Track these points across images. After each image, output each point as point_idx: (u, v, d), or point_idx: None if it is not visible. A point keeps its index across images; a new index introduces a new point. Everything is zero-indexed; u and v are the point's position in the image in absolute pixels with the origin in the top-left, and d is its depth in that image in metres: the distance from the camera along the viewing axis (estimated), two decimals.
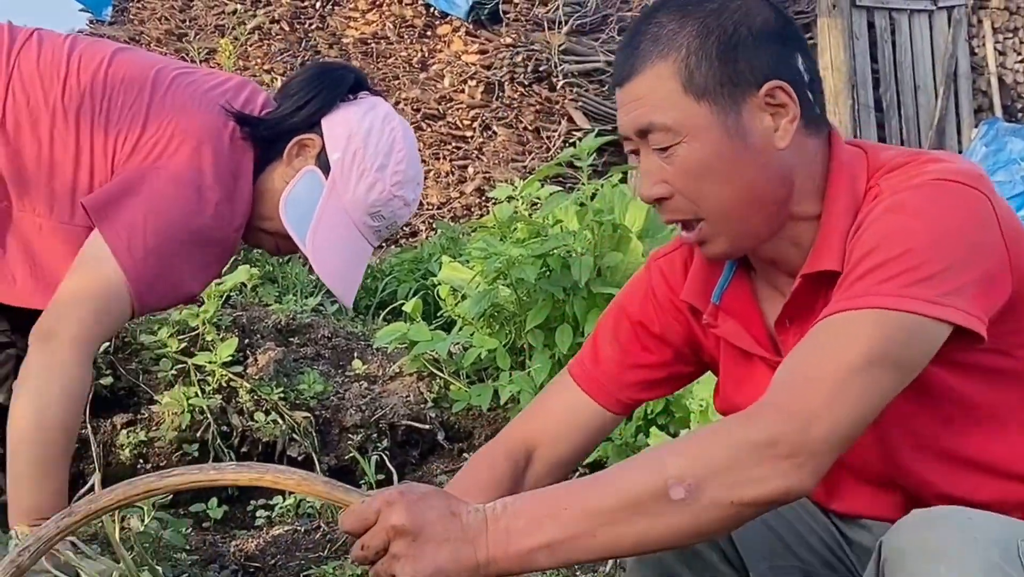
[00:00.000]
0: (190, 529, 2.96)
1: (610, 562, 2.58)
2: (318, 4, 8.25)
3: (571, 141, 6.58)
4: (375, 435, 3.51)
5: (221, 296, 3.63)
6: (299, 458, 3.40)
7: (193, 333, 3.56)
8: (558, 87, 6.88)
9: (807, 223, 1.53)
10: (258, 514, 3.13)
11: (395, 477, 3.24)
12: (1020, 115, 8.64)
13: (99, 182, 2.27)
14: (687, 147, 1.48)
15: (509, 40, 6.98)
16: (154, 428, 3.39)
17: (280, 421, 3.42)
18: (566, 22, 6.91)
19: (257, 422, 3.39)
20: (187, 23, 9.18)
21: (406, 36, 7.71)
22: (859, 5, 8.07)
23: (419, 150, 7.98)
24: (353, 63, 7.85)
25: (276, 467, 1.39)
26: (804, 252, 1.55)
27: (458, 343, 3.68)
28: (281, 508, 3.12)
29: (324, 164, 2.35)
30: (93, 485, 1.97)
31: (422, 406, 3.63)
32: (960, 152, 8.17)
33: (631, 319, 1.79)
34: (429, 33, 7.59)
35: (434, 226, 6.94)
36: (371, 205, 2.36)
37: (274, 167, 2.37)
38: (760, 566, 1.68)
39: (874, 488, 1.60)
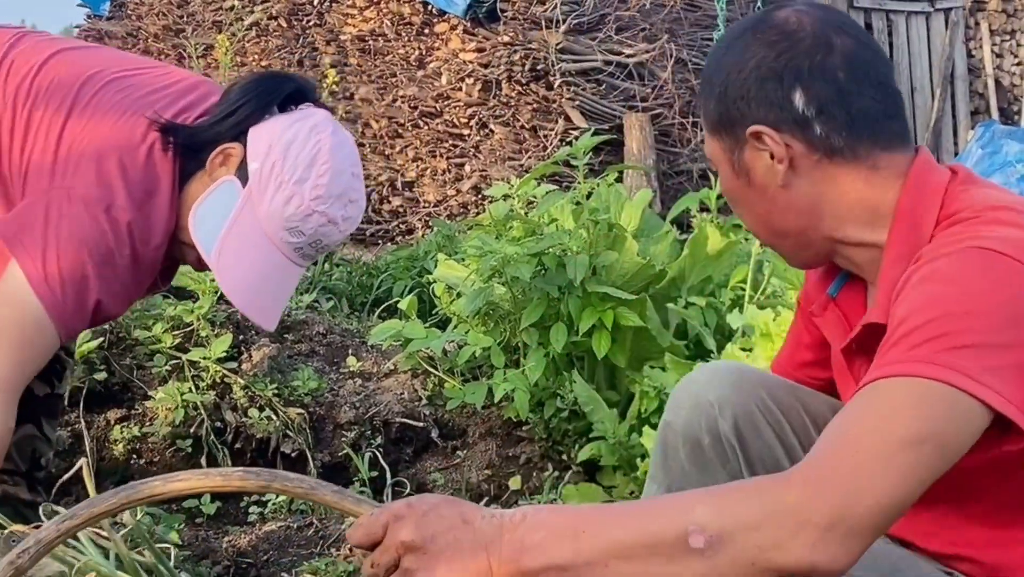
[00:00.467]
0: (183, 524, 2.96)
1: None
2: (316, 1, 8.25)
3: (568, 140, 6.58)
4: (369, 432, 3.51)
5: (216, 292, 3.63)
6: (293, 455, 3.40)
7: (187, 329, 3.56)
8: (555, 86, 6.88)
9: (864, 249, 1.54)
10: (251, 510, 3.13)
11: (388, 474, 3.25)
12: (1016, 117, 8.65)
13: (13, 199, 2.21)
14: (719, 175, 1.62)
15: (507, 38, 6.99)
16: (148, 424, 3.39)
17: (274, 417, 3.42)
18: (564, 21, 6.91)
19: (251, 418, 3.40)
20: (185, 19, 9.17)
21: (404, 34, 7.71)
22: (856, 6, 8.08)
23: (415, 148, 7.89)
24: (351, 60, 7.86)
25: (285, 474, 1.38)
26: (872, 272, 1.56)
27: (453, 341, 3.68)
28: (274, 505, 3.12)
29: (244, 175, 2.22)
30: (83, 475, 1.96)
31: (416, 404, 3.63)
32: (956, 154, 8.18)
33: (800, 299, 1.86)
34: (427, 31, 7.58)
35: (430, 224, 6.94)
36: (288, 219, 2.19)
37: (197, 177, 2.25)
38: None
39: None
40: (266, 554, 2.80)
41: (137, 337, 3.55)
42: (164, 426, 3.34)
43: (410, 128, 7.60)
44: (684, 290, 3.56)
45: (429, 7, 7.46)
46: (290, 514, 3.07)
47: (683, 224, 4.54)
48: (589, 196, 3.69)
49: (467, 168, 7.27)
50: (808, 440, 1.76)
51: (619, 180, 4.84)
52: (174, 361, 3.47)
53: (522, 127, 7.04)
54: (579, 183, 3.75)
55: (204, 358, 3.44)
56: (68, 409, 3.33)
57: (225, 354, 3.46)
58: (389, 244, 7.22)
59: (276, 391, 3.47)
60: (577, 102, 6.86)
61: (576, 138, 5.37)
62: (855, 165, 1.50)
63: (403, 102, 7.61)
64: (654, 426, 3.18)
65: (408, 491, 3.27)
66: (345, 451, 3.41)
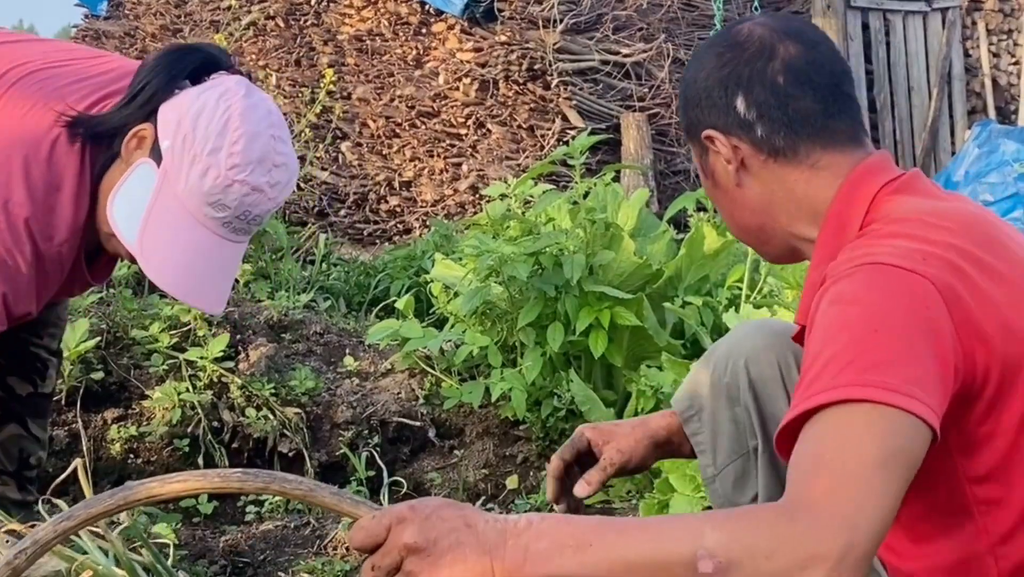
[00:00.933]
0: (179, 523, 2.96)
1: None
2: (313, 1, 8.25)
3: (565, 139, 6.58)
4: (366, 432, 3.51)
5: None
6: (290, 454, 3.41)
7: (184, 328, 3.56)
8: (552, 85, 6.88)
9: (812, 245, 1.64)
10: (248, 510, 3.14)
11: (385, 473, 3.25)
12: (1013, 116, 8.65)
13: None
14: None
15: (504, 38, 6.99)
16: (145, 423, 3.39)
17: (271, 417, 3.42)
18: (561, 20, 6.91)
19: (248, 418, 3.40)
20: (182, 19, 9.17)
21: (401, 33, 7.71)
22: (853, 6, 8.09)
23: (413, 147, 7.88)
24: (348, 60, 7.87)
25: (283, 475, 1.37)
26: None
27: (450, 340, 3.68)
28: (271, 504, 3.12)
29: (158, 155, 2.12)
30: (79, 474, 1.96)
31: (413, 403, 3.63)
32: (953, 154, 8.19)
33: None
34: (424, 31, 7.59)
35: (427, 223, 6.94)
36: (208, 193, 2.09)
37: (115, 166, 2.17)
38: None
39: None
40: (263, 553, 2.80)
41: (134, 337, 3.55)
42: (161, 426, 3.34)
43: (407, 128, 7.60)
44: (681, 289, 3.56)
45: (426, 7, 7.46)
46: (287, 514, 3.07)
47: (680, 223, 4.55)
48: (586, 195, 3.69)
49: (464, 168, 7.28)
50: None
51: (616, 179, 4.84)
52: (171, 361, 3.47)
53: (519, 127, 7.04)
54: (576, 182, 3.75)
55: (201, 358, 3.45)
56: (65, 408, 3.33)
57: (222, 354, 3.47)
58: (386, 244, 7.22)
59: (273, 391, 3.47)
60: (574, 102, 6.87)
61: (573, 137, 5.37)
62: (797, 164, 1.61)
63: (400, 102, 7.61)
64: None
65: (405, 490, 3.27)
66: (342, 451, 3.42)
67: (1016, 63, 8.75)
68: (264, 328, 3.85)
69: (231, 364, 3.51)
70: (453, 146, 7.37)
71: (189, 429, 3.36)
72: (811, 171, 1.61)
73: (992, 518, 1.49)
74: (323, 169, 7.75)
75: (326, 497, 1.35)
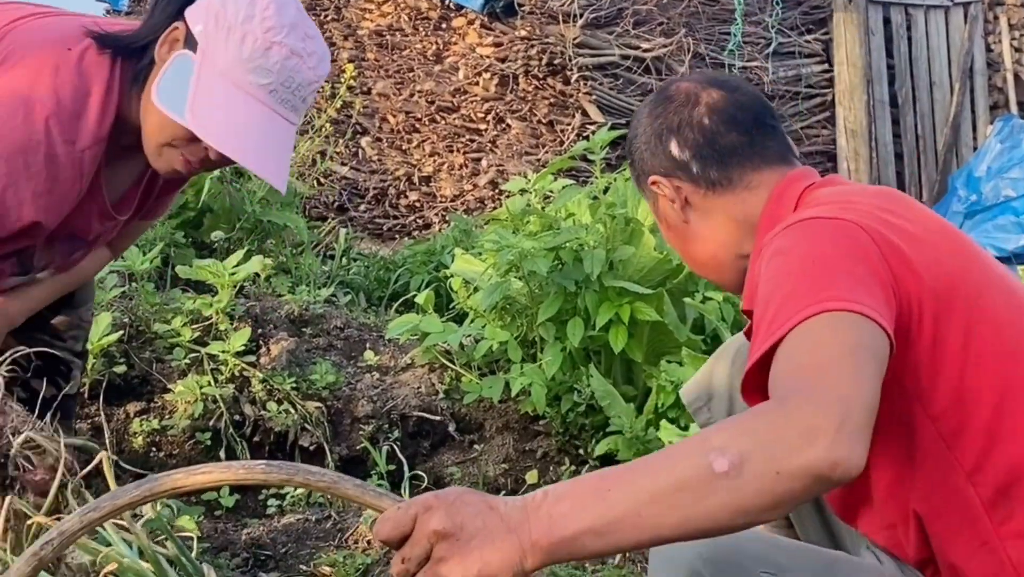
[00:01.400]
0: (202, 516, 2.98)
1: (619, 555, 2.59)
2: None
3: (585, 135, 6.58)
4: (386, 426, 3.52)
5: (234, 286, 3.65)
6: (311, 448, 3.42)
7: (206, 322, 3.58)
8: (572, 80, 6.88)
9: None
10: (269, 503, 3.15)
11: (406, 467, 3.26)
12: None
13: None
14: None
15: (524, 33, 6.98)
16: (167, 416, 3.41)
17: (292, 411, 3.43)
18: (581, 15, 6.91)
19: (269, 412, 3.41)
20: None
21: (421, 28, 7.72)
22: (875, 1, 8.05)
23: (432, 142, 7.89)
24: (368, 55, 7.88)
25: (307, 467, 1.37)
26: None
27: (470, 335, 3.69)
28: (292, 497, 3.13)
29: (193, 44, 2.13)
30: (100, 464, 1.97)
31: (433, 397, 3.64)
32: (975, 149, 8.15)
33: None
34: (444, 25, 7.59)
35: (447, 218, 6.95)
36: (248, 60, 2.10)
37: (152, 75, 2.16)
38: None
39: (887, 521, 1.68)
40: (284, 546, 2.82)
41: (156, 331, 3.57)
42: (183, 419, 3.36)
43: (427, 123, 7.61)
44: (701, 284, 3.56)
45: (446, 2, 7.46)
46: (308, 507, 3.08)
47: None
48: (606, 191, 3.69)
49: (484, 163, 7.28)
50: None
51: None
52: (193, 355, 3.49)
53: (539, 122, 7.04)
54: (596, 178, 3.75)
55: (223, 352, 3.46)
56: (88, 402, 3.35)
57: (244, 348, 3.48)
58: (406, 239, 7.23)
59: (294, 385, 3.48)
60: (594, 97, 6.86)
61: (593, 133, 5.36)
62: (733, 190, 1.81)
63: (420, 97, 7.62)
64: (672, 420, 3.18)
65: (425, 484, 3.28)
66: (363, 444, 3.43)
67: None
68: (285, 322, 3.87)
69: (252, 358, 3.53)
70: (473, 141, 7.37)
71: (211, 422, 3.37)
72: (746, 192, 1.80)
73: (960, 449, 1.57)
74: (343, 164, 7.77)
75: (349, 489, 1.35)
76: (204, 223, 4.77)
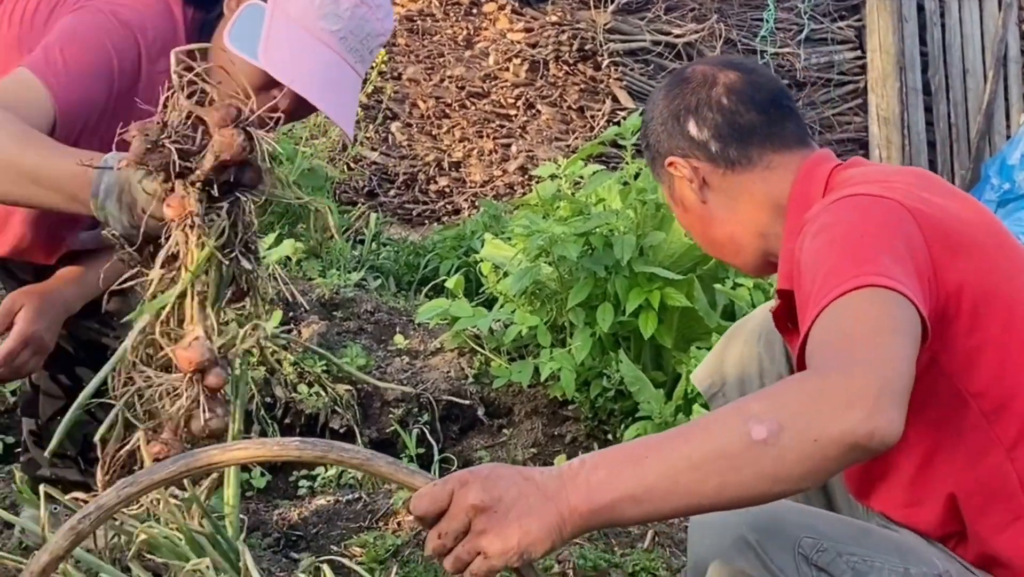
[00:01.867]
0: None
1: (648, 537, 2.60)
2: None
3: (615, 120, 6.56)
4: (416, 409, 3.54)
5: (266, 269, 3.66)
6: (341, 431, 3.44)
7: None
8: (603, 66, 6.86)
9: (778, 239, 1.82)
10: (300, 484, 3.18)
11: (436, 450, 3.28)
12: None
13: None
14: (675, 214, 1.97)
15: (555, 18, 6.97)
16: None
17: (323, 394, 3.46)
18: (612, 1, 6.89)
19: (300, 394, 3.44)
20: None
21: (452, 14, 7.71)
22: None
23: (462, 128, 7.87)
24: (399, 40, 7.88)
25: (340, 445, 1.38)
26: None
27: (499, 320, 3.70)
28: (323, 479, 3.16)
29: None
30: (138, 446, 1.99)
31: (463, 382, 3.65)
32: (1008, 137, 8.08)
33: None
34: (475, 11, 7.58)
35: (477, 204, 6.95)
36: (320, 6, 2.11)
37: (220, 27, 2.17)
38: None
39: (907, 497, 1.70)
40: (315, 527, 2.84)
41: None
42: None
43: (457, 108, 7.61)
44: (732, 271, 3.55)
45: None
46: (339, 489, 3.11)
47: None
48: (637, 176, 3.69)
49: (514, 148, 7.27)
50: None
51: None
52: None
53: (569, 107, 7.02)
54: (627, 163, 3.75)
55: None
56: None
57: (275, 330, 3.50)
58: (436, 224, 7.24)
59: (325, 367, 3.50)
60: (625, 82, 6.84)
61: (624, 118, 5.35)
62: (752, 169, 1.82)
63: (450, 82, 7.62)
64: (702, 406, 3.18)
65: (455, 467, 3.30)
66: (392, 427, 3.45)
67: None
68: (316, 306, 3.89)
69: (283, 342, 3.55)
70: (503, 127, 7.37)
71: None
72: (766, 171, 1.82)
73: (1001, 426, 1.59)
74: (373, 149, 7.78)
75: (382, 466, 1.37)
76: None
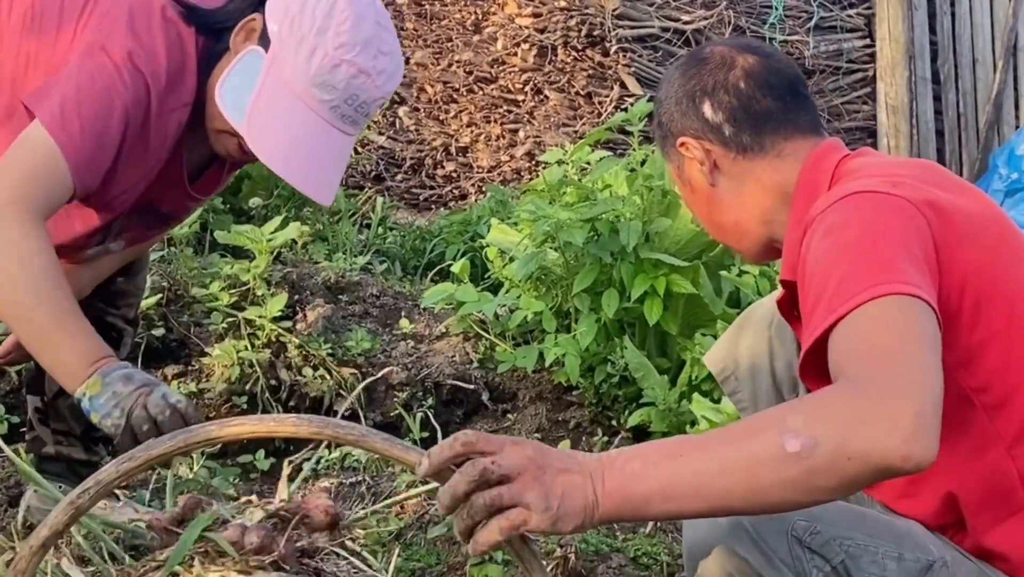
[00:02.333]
0: (237, 479, 3.01)
1: (649, 522, 2.60)
2: None
3: (623, 106, 6.55)
4: (420, 393, 3.55)
5: (272, 252, 3.67)
6: (346, 414, 3.44)
7: (244, 288, 3.61)
8: (611, 52, 6.85)
9: (783, 226, 1.81)
10: (303, 466, 3.18)
11: (439, 435, 3.28)
12: None
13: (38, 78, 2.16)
14: (680, 194, 1.98)
15: (563, 4, 6.95)
16: (204, 380, 3.45)
17: (328, 377, 3.46)
18: None
19: (305, 377, 3.44)
20: None
21: None
22: None
23: (470, 113, 7.83)
24: (407, 24, 7.87)
25: (336, 421, 1.40)
26: None
27: (505, 305, 3.70)
28: (326, 461, 3.16)
29: (267, 41, 2.12)
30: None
31: (467, 366, 3.66)
32: (1017, 127, 8.06)
33: None
34: None
35: (483, 189, 6.95)
36: (315, 75, 2.08)
37: (224, 59, 2.17)
38: None
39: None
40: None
41: (195, 295, 3.61)
42: (220, 382, 3.40)
43: (465, 93, 7.60)
44: (737, 258, 3.55)
45: None
46: (342, 471, 3.11)
47: None
48: (643, 163, 3.69)
49: (521, 134, 7.27)
50: None
51: None
52: (230, 319, 3.52)
53: (577, 93, 7.01)
54: (634, 150, 3.75)
55: (260, 317, 3.49)
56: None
57: (280, 313, 3.51)
58: (442, 209, 7.24)
59: (330, 351, 3.51)
60: (633, 68, 6.83)
61: (631, 104, 5.35)
62: (763, 155, 1.81)
63: (458, 67, 7.61)
64: (704, 393, 3.19)
65: None
66: (397, 411, 3.46)
67: None
68: (321, 289, 3.90)
69: (289, 324, 3.56)
70: (510, 112, 7.36)
71: (247, 386, 3.41)
72: (776, 159, 1.81)
73: (1001, 421, 1.60)
74: (380, 134, 7.78)
75: (377, 442, 1.38)
76: (242, 189, 4.81)
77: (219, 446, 2.91)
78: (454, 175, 7.63)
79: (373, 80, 2.13)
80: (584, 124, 6.86)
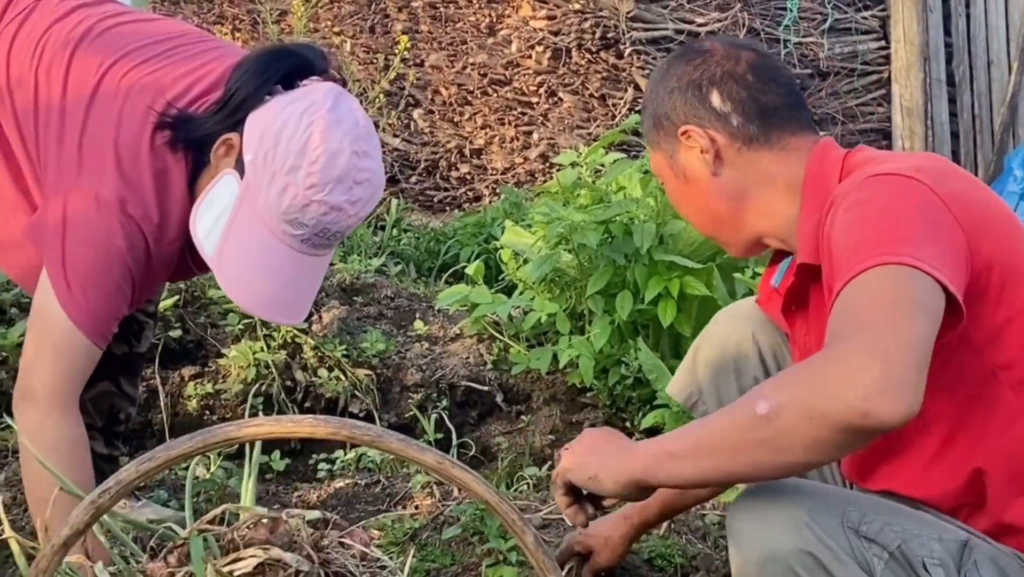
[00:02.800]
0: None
1: (664, 524, 2.61)
2: None
3: (637, 109, 6.56)
4: (435, 395, 3.56)
5: None
6: (360, 415, 3.47)
7: None
8: (625, 54, 6.86)
9: (787, 221, 1.82)
10: (320, 467, 3.20)
11: (454, 436, 3.30)
12: None
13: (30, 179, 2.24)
14: (665, 185, 1.94)
15: (577, 6, 6.96)
16: (221, 380, 3.47)
17: (343, 378, 3.48)
18: None
19: (320, 378, 3.46)
20: None
21: (475, 1, 7.71)
22: None
23: (484, 115, 7.84)
24: (422, 27, 7.89)
25: (352, 422, 1.41)
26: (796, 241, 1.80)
27: (519, 307, 3.72)
28: (342, 461, 3.18)
29: (242, 167, 2.10)
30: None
31: (482, 368, 3.67)
32: None
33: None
34: None
35: (497, 191, 6.96)
36: (285, 212, 2.06)
37: (206, 171, 2.17)
38: None
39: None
40: (334, 510, 2.86)
41: (211, 296, 3.63)
42: (236, 383, 3.42)
43: (479, 95, 7.61)
44: (752, 260, 3.56)
45: None
46: (358, 472, 3.13)
47: None
48: None
49: (535, 136, 7.28)
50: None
51: None
52: (246, 320, 3.54)
53: (591, 95, 7.02)
54: (647, 152, 3.75)
55: None
56: (144, 364, 3.42)
57: None
58: (456, 211, 7.25)
59: (345, 352, 3.53)
60: (647, 71, 6.83)
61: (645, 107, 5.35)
62: (769, 148, 1.81)
63: (473, 69, 7.63)
64: None
65: (472, 453, 3.32)
66: (411, 412, 3.47)
67: None
68: (337, 291, 3.92)
69: (304, 325, 3.58)
70: (524, 114, 7.37)
71: (263, 387, 3.43)
72: (782, 152, 1.81)
73: None
74: (395, 136, 7.80)
75: (393, 443, 1.39)
76: None
77: (236, 447, 2.93)
78: (468, 177, 7.65)
79: (345, 212, 2.10)
80: (598, 126, 6.87)
